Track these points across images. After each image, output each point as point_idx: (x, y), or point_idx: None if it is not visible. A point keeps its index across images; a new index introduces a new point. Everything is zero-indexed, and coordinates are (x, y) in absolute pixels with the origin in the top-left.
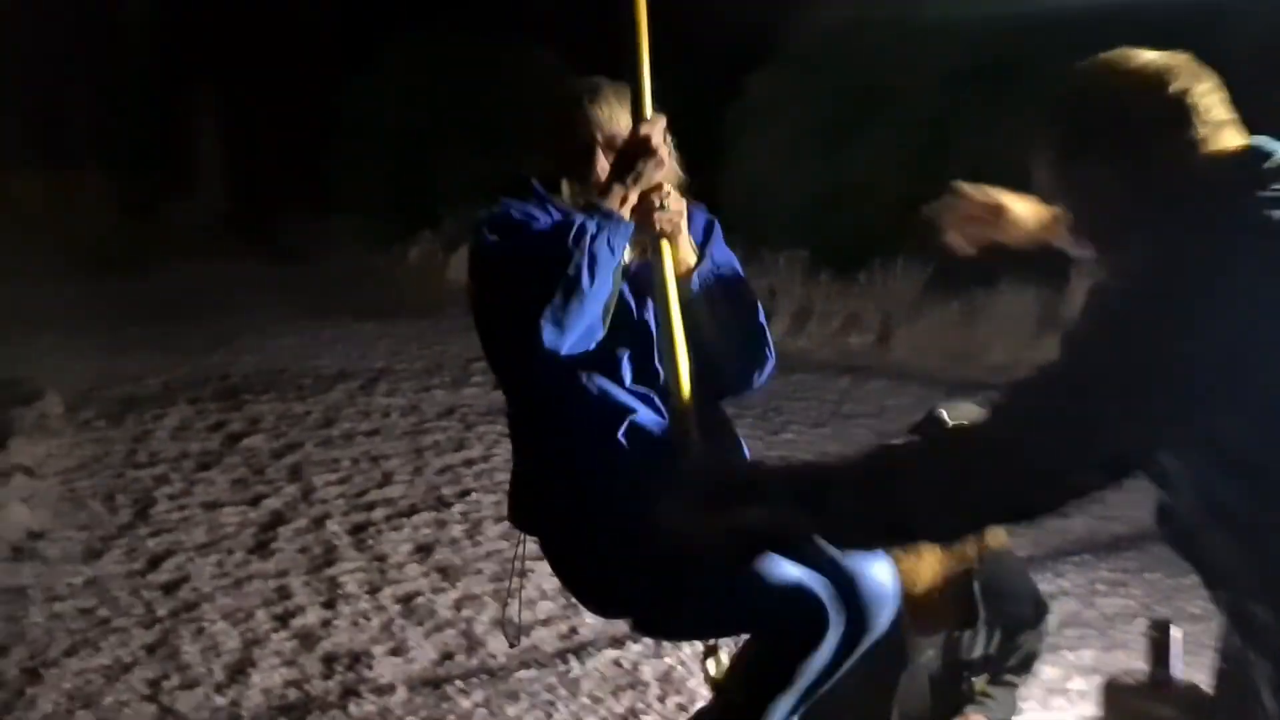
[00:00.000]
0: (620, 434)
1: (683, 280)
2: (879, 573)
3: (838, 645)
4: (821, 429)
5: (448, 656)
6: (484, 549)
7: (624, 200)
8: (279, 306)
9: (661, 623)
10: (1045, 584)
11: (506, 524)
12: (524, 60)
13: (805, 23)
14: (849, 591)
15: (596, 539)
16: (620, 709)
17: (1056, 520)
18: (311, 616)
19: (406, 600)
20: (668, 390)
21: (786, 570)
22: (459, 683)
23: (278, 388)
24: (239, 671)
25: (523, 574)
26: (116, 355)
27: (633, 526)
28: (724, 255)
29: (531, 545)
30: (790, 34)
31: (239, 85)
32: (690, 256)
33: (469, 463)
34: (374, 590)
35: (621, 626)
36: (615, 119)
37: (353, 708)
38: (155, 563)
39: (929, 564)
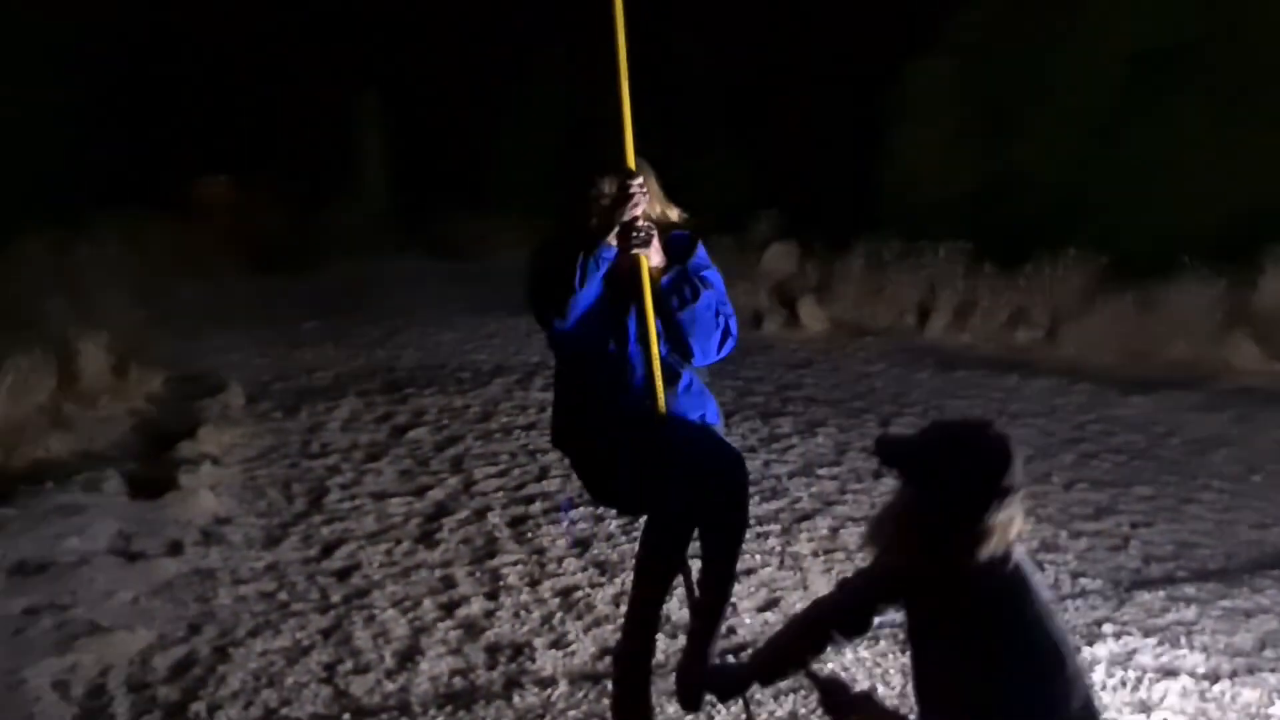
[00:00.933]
0: (598, 380)
1: (654, 280)
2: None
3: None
4: None
5: (607, 652)
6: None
7: (608, 232)
8: (439, 303)
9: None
10: (1241, 600)
11: None
12: (676, 55)
13: (968, 6)
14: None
15: (582, 441)
16: (782, 713)
17: (1253, 531)
18: (475, 607)
19: (566, 594)
20: (647, 353)
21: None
22: None
23: (439, 381)
24: (408, 659)
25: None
26: (291, 349)
27: (594, 434)
28: (699, 263)
29: None
30: (953, 18)
31: (402, 89)
32: (659, 263)
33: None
34: (534, 583)
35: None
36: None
37: (516, 699)
38: (329, 550)
39: None
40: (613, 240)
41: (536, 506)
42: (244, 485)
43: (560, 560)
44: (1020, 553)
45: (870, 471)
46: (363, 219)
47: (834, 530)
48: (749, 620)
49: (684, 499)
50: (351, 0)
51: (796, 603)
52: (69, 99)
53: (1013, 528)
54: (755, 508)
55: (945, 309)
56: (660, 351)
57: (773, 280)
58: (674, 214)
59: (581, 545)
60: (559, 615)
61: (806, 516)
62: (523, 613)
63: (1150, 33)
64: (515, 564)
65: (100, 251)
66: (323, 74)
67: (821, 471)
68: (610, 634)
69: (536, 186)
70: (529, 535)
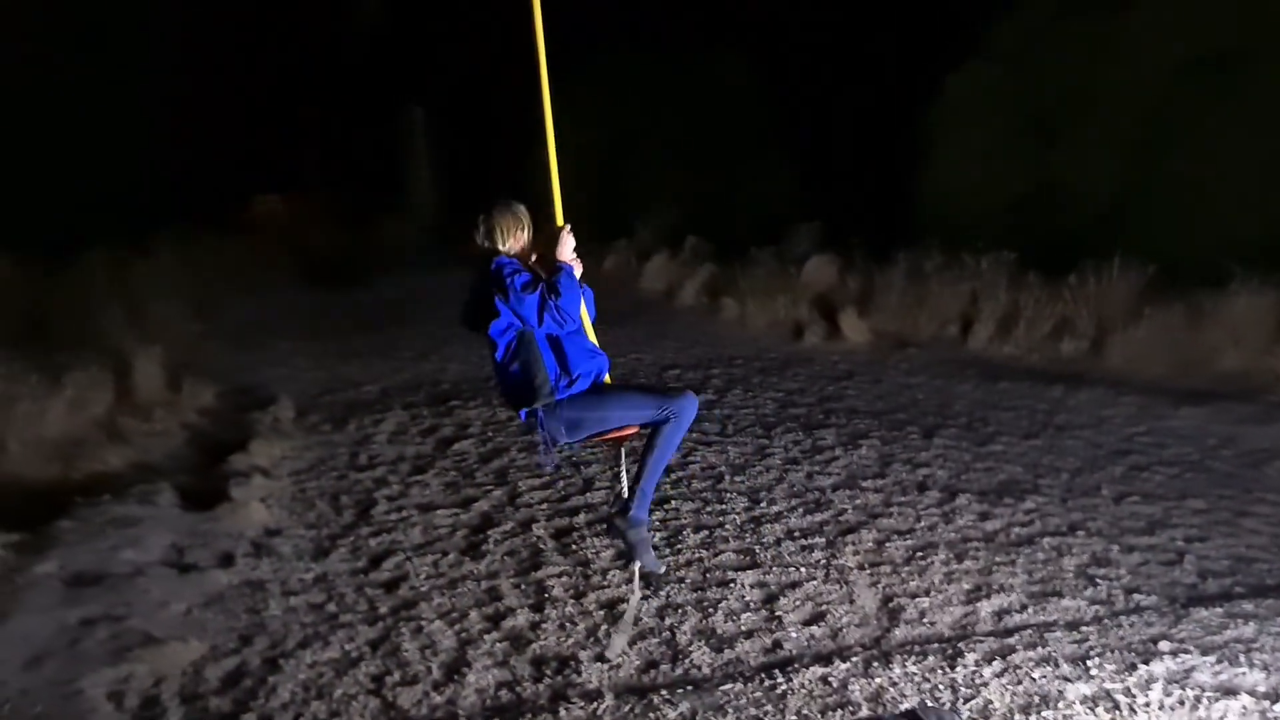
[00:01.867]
0: (580, 353)
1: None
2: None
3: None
4: (1033, 440)
5: (652, 665)
6: (684, 557)
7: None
8: None
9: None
10: None
11: (706, 532)
12: (715, 69)
13: (1011, 16)
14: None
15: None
16: None
17: None
18: (521, 619)
19: (611, 606)
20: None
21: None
22: (664, 692)
23: (484, 394)
24: (455, 671)
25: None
26: (339, 363)
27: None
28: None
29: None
30: (994, 27)
31: (445, 109)
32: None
33: (666, 469)
34: (579, 595)
35: (827, 643)
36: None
37: (562, 712)
38: (376, 561)
39: None
40: (572, 261)
41: (581, 519)
42: (294, 497)
43: (605, 573)
44: None
45: (915, 484)
46: (410, 234)
47: (879, 543)
48: (795, 634)
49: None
50: (398, 22)
51: (843, 616)
52: (129, 120)
53: None
54: (799, 519)
55: (988, 320)
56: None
57: (813, 292)
58: None
59: (626, 557)
60: (604, 628)
61: (851, 529)
62: (568, 625)
63: (1196, 41)
64: (560, 576)
65: (156, 267)
66: (371, 93)
67: (865, 484)
68: (656, 647)
69: (582, 201)
70: (573, 547)
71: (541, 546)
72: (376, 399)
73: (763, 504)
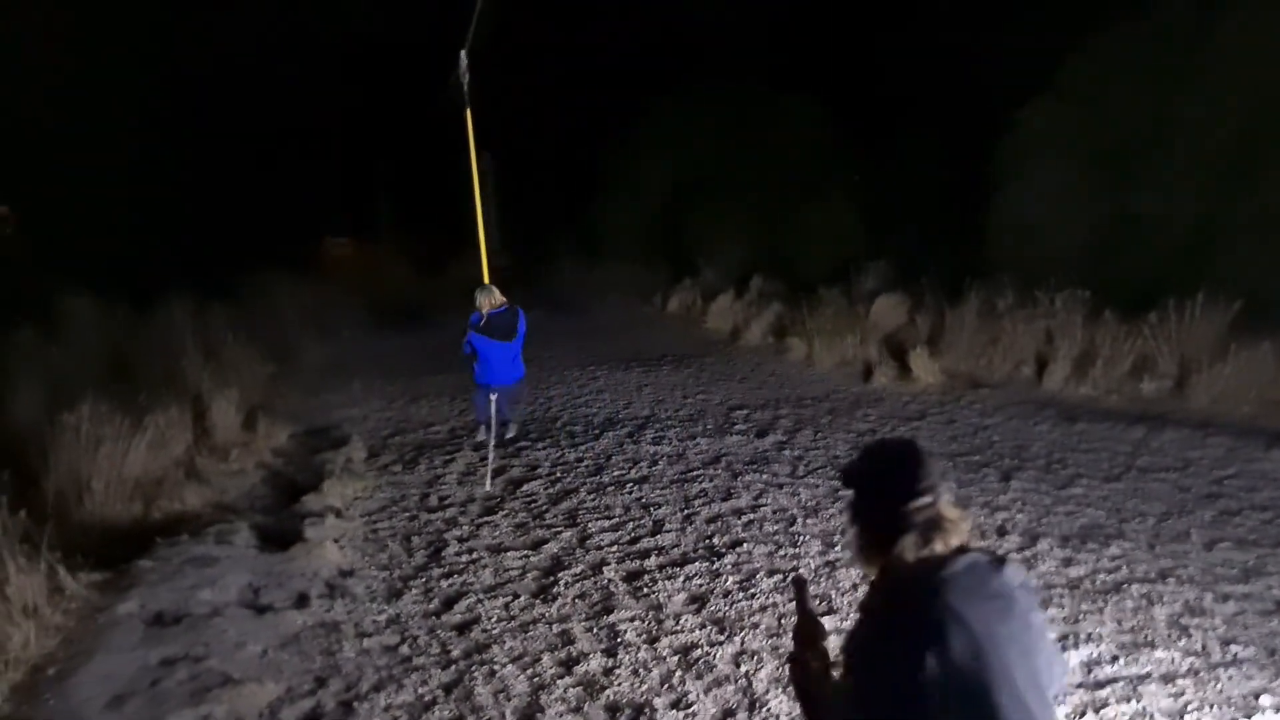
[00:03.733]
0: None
1: None
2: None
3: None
4: (1115, 484)
5: (729, 713)
6: (758, 602)
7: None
8: (550, 356)
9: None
10: None
11: (780, 577)
12: (783, 110)
13: (1082, 52)
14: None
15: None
16: None
17: None
18: (594, 664)
19: (685, 652)
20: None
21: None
22: None
23: (551, 435)
24: (528, 717)
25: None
26: (409, 403)
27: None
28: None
29: None
30: (1066, 65)
31: (510, 152)
32: None
33: (738, 512)
34: (652, 640)
35: None
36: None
37: None
38: (449, 603)
39: None
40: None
41: (651, 561)
42: (366, 538)
43: (678, 617)
44: (966, 570)
45: (994, 528)
46: (478, 273)
47: None
48: None
49: None
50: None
51: None
52: (210, 170)
53: (940, 530)
54: None
55: (1064, 359)
56: None
57: (882, 332)
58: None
59: (699, 601)
60: (678, 674)
61: None
62: (641, 671)
63: (1277, 73)
64: (632, 620)
65: (234, 311)
66: (436, 138)
67: None
68: (732, 695)
69: (641, 240)
70: (645, 591)
71: (613, 590)
72: (446, 439)
73: (837, 548)
